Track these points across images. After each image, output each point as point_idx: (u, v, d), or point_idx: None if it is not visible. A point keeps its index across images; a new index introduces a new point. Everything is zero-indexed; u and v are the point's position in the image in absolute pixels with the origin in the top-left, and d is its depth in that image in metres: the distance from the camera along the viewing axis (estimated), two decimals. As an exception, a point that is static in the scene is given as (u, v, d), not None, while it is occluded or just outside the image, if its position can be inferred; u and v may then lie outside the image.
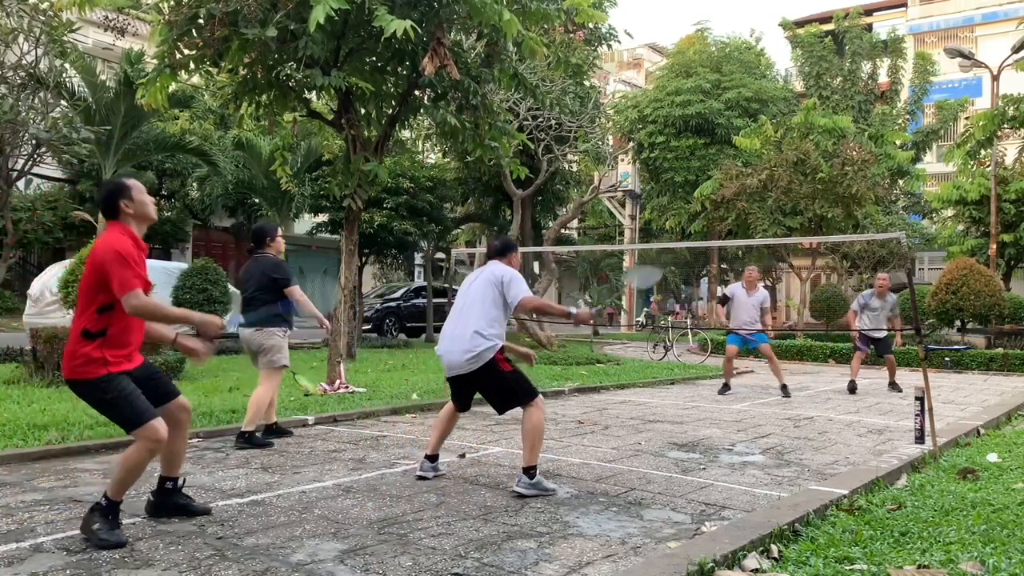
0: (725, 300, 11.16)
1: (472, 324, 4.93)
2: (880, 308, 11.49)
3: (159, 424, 3.82)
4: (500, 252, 5.31)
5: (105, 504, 3.81)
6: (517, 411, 5.04)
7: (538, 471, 4.94)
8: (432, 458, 5.30)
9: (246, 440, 6.29)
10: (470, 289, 5.15)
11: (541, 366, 14.19)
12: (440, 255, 24.39)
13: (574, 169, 23.64)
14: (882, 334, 11.52)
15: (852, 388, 11.48)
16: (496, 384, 4.98)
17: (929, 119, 30.24)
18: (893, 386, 11.74)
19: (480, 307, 4.98)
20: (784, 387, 10.86)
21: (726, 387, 11.10)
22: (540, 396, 5.05)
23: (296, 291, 6.52)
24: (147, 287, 3.80)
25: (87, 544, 3.73)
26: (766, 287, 35.15)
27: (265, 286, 6.41)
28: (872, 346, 11.68)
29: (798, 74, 32.52)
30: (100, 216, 15.19)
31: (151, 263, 13.46)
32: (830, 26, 32.89)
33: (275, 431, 6.69)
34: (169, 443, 3.98)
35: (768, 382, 11.46)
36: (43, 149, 12.50)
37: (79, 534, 3.83)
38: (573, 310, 5.12)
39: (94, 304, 3.78)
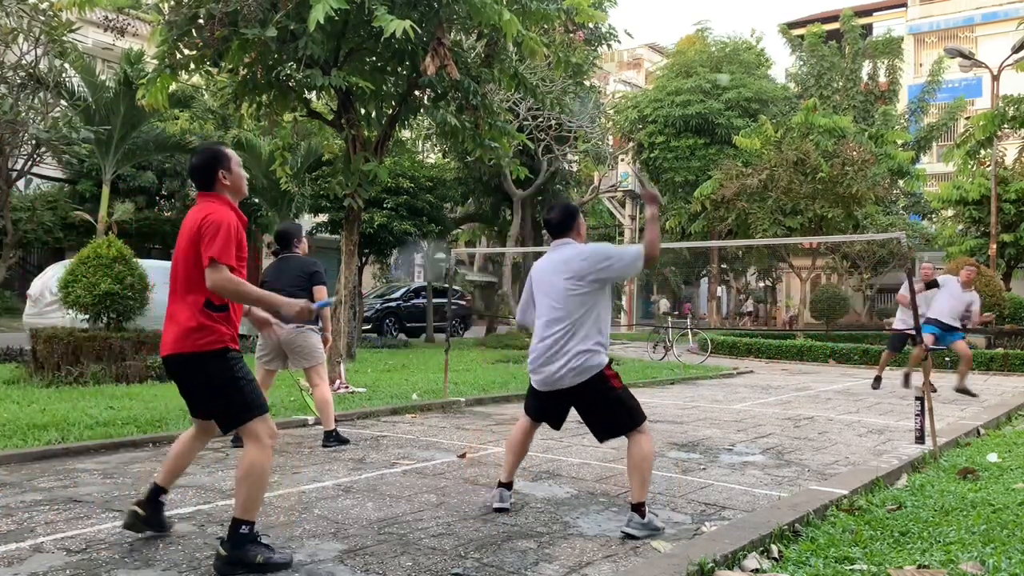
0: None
1: (577, 340, 4.03)
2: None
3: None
4: (562, 225, 4.29)
5: None
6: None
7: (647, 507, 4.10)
8: (508, 485, 4.49)
9: (334, 439, 6.44)
10: (546, 285, 4.20)
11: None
12: (440, 255, 24.41)
13: (574, 169, 23.67)
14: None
15: (877, 383, 11.15)
16: (604, 402, 4.12)
17: (931, 118, 30.25)
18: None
19: (579, 315, 4.07)
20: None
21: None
22: (647, 419, 4.20)
23: (324, 293, 6.47)
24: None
25: None
26: (766, 287, 35.35)
27: (302, 285, 6.34)
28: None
29: (795, 74, 32.47)
30: (99, 216, 15.06)
31: (151, 263, 13.53)
32: (833, 25, 32.89)
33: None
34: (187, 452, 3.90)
35: (768, 383, 11.45)
36: (43, 149, 12.49)
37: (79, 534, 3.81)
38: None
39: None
